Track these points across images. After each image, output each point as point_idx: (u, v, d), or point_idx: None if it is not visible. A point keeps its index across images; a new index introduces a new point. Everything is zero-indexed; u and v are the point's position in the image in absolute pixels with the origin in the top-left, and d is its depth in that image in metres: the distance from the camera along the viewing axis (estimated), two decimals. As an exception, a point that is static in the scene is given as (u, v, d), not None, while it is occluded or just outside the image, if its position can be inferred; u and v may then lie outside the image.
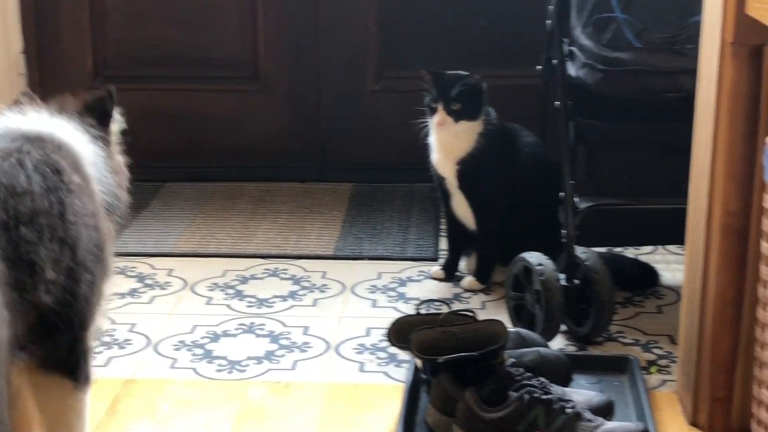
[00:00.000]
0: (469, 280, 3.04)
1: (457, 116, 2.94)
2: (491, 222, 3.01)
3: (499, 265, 3.00)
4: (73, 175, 1.84)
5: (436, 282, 3.10)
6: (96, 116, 2.02)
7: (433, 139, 3.02)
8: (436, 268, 3.14)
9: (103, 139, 2.01)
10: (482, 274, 3.03)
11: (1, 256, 1.65)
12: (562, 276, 2.68)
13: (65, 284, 1.79)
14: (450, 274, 3.12)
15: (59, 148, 1.86)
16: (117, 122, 2.09)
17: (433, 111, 2.94)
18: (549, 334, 2.62)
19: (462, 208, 3.05)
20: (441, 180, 3.05)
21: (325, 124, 3.95)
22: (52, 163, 1.81)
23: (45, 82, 3.85)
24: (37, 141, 1.84)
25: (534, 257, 2.69)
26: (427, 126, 2.99)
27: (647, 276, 3.05)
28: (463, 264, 3.14)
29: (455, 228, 3.10)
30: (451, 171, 3.01)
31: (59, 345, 1.85)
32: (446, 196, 3.07)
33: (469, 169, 2.99)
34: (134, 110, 2.22)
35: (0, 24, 3.93)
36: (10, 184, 1.73)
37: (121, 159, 2.11)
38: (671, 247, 3.25)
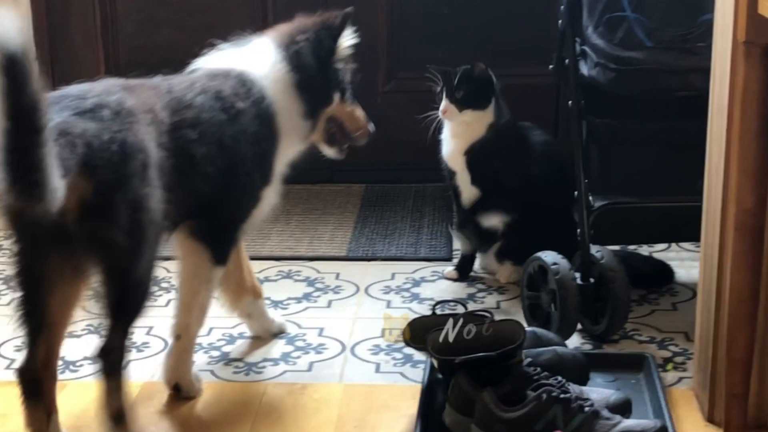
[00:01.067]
0: (504, 271, 3.05)
1: (460, 104, 2.95)
2: (505, 212, 3.01)
3: (515, 264, 3.01)
4: (239, 103, 2.38)
5: (450, 282, 3.11)
6: (327, 33, 2.55)
7: (444, 133, 3.03)
8: (449, 269, 3.15)
9: (328, 51, 2.55)
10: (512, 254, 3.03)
11: (169, 148, 2.19)
12: (577, 275, 2.69)
13: (222, 180, 2.33)
14: (464, 274, 3.12)
15: (235, 80, 2.41)
16: (346, 38, 2.58)
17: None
18: (565, 333, 2.62)
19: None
20: (452, 176, 3.05)
21: (336, 125, 3.96)
22: (222, 92, 2.37)
23: (58, 88, 3.86)
24: (221, 76, 2.41)
25: (549, 256, 2.70)
26: (437, 119, 3.00)
27: (662, 273, 3.05)
28: (479, 263, 3.14)
29: (469, 227, 3.10)
30: (460, 162, 3.01)
31: (212, 225, 2.40)
32: (458, 194, 3.07)
33: (477, 158, 3.00)
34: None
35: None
36: (181, 97, 2.30)
37: (344, 66, 2.62)
38: (685, 244, 3.25)
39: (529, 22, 3.75)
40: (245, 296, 2.69)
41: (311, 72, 2.53)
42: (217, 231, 2.44)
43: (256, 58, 2.50)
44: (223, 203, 2.40)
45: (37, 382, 2.16)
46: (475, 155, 3.00)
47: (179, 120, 2.26)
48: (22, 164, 1.80)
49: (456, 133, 3.01)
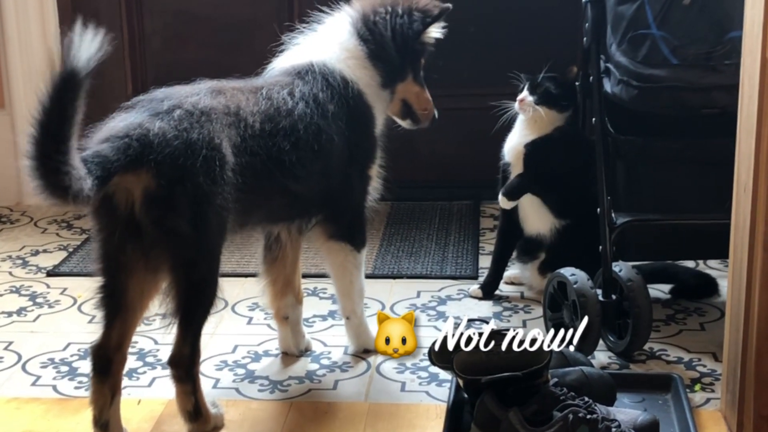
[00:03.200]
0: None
1: (538, 99, 2.97)
2: (552, 214, 3.00)
3: None
4: (330, 105, 2.49)
5: (476, 300, 3.10)
6: (420, 16, 2.65)
7: (512, 131, 3.04)
8: (474, 287, 3.14)
9: (415, 32, 2.65)
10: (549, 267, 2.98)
11: (255, 152, 2.31)
12: (599, 291, 2.68)
13: (318, 180, 2.48)
14: (488, 292, 3.11)
15: (324, 80, 2.51)
16: (436, 29, 2.69)
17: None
18: (588, 343, 2.61)
19: (526, 209, 3.04)
20: (506, 173, 3.04)
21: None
22: (314, 94, 2.47)
23: (85, 106, 3.88)
24: (307, 75, 2.51)
25: (566, 271, 2.70)
26: (510, 111, 3.01)
27: (708, 286, 3.05)
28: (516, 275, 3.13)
29: (510, 238, 3.09)
30: (518, 155, 3.01)
31: (339, 219, 2.60)
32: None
33: (534, 152, 2.99)
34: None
35: (42, 49, 3.98)
36: (278, 107, 2.39)
37: (424, 51, 2.73)
38: (711, 262, 3.23)
39: (554, 39, 3.74)
40: (289, 296, 2.74)
41: (384, 44, 2.63)
42: (346, 222, 2.63)
43: (330, 43, 2.61)
44: (340, 197, 2.58)
45: (107, 361, 2.27)
46: (533, 149, 3.00)
47: (273, 127, 2.37)
48: (49, 166, 1.96)
49: (524, 126, 3.02)
